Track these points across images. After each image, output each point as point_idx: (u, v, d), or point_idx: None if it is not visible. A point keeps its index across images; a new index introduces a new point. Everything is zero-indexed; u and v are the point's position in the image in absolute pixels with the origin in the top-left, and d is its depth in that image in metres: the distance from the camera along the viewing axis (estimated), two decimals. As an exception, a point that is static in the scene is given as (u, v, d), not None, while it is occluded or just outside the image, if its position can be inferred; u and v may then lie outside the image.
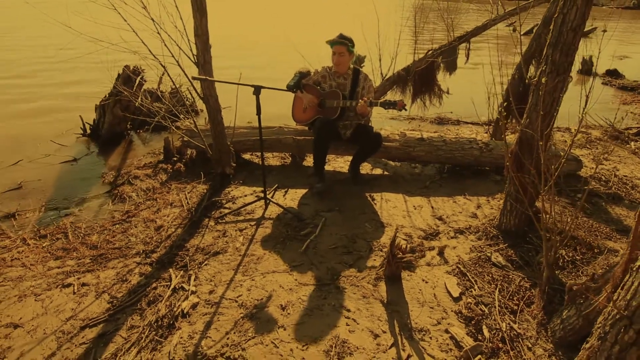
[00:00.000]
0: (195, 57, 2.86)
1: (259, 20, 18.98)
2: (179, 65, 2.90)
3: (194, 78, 2.63)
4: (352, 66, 3.21)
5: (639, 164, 3.86)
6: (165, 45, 2.85)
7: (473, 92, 4.59)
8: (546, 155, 1.76)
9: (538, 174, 1.82)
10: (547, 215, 1.77)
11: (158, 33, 2.81)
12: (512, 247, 2.38)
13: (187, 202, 3.07)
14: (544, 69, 2.00)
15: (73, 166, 3.97)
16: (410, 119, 5.38)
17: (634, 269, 0.97)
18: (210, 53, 2.87)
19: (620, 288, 1.02)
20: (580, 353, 1.18)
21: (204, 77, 2.73)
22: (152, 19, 2.78)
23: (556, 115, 2.16)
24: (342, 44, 3.03)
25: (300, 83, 3.13)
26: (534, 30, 3.67)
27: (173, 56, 2.89)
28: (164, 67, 2.98)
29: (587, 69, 8.17)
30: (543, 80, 1.90)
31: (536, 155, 1.96)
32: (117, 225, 2.87)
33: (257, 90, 2.58)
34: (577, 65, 8.12)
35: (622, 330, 0.99)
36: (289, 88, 3.07)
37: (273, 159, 3.87)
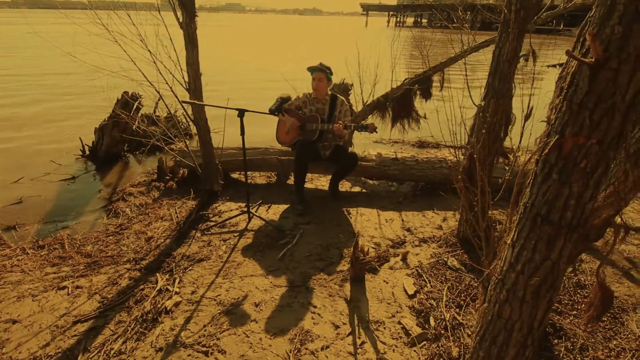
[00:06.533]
0: (187, 84, 3.18)
1: (249, 52, 19.71)
2: (172, 91, 3.22)
3: (183, 102, 2.94)
4: (330, 92, 3.54)
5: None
6: (160, 73, 3.17)
7: (451, 117, 4.90)
8: (486, 168, 2.03)
9: (482, 186, 2.09)
10: (484, 222, 2.02)
11: (154, 63, 3.14)
12: (467, 253, 2.63)
13: (177, 216, 3.31)
14: (485, 94, 2.31)
15: (71, 184, 4.22)
16: (393, 142, 5.69)
17: (506, 244, 1.22)
18: (200, 80, 3.19)
19: (498, 260, 1.28)
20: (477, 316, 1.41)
21: (193, 101, 3.04)
22: (149, 51, 3.11)
23: (504, 135, 2.45)
24: (322, 70, 3.37)
25: (281, 107, 3.45)
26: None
27: (167, 83, 3.21)
28: (158, 93, 3.30)
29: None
30: (482, 103, 2.21)
31: (480, 169, 2.23)
32: (110, 237, 3.10)
33: (241, 113, 2.89)
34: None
35: (498, 291, 1.24)
36: (271, 111, 3.38)
37: (260, 178, 4.14)
